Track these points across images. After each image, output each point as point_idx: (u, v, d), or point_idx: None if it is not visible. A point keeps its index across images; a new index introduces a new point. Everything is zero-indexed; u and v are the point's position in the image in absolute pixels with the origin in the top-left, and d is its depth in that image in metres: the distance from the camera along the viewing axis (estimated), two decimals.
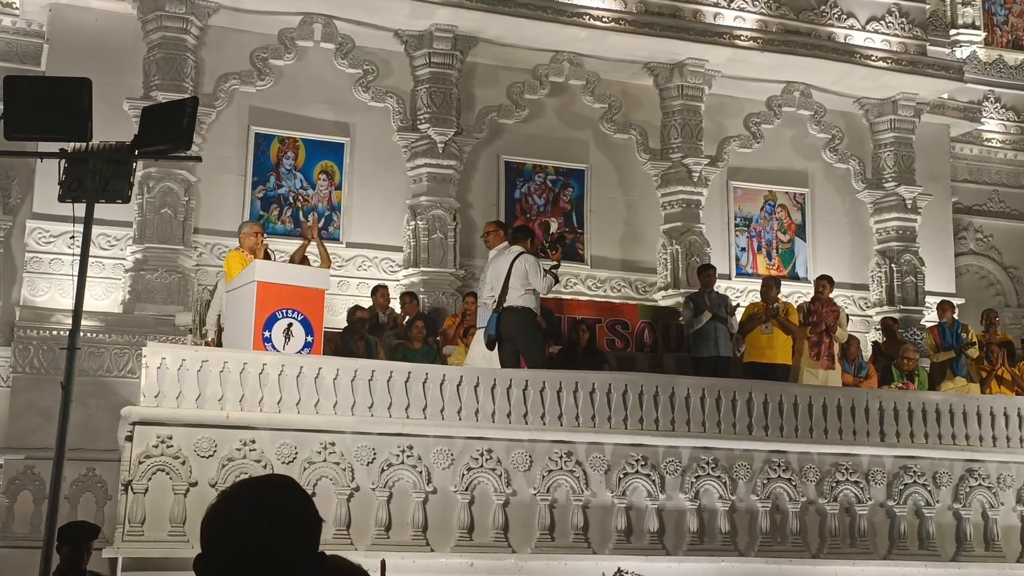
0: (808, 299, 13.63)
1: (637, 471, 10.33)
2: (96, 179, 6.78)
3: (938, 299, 15.23)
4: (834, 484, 10.90)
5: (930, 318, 14.85)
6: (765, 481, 10.70)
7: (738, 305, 13.35)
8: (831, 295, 13.07)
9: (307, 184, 13.96)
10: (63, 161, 6.97)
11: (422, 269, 13.61)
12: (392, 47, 14.22)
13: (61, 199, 6.94)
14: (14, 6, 13.88)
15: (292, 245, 12.72)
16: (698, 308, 12.56)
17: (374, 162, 14.18)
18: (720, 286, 14.88)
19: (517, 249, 10.70)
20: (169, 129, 7.05)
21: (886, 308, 15.37)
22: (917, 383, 12.73)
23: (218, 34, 13.64)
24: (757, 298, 13.54)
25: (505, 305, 10.42)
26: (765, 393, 10.96)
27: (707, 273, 13.04)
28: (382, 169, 14.17)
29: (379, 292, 12.88)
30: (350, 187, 14.09)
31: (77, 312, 6.85)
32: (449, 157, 14.00)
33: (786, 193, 16.04)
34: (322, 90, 14.11)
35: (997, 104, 17.95)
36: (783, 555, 10.59)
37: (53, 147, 7.04)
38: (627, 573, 8.57)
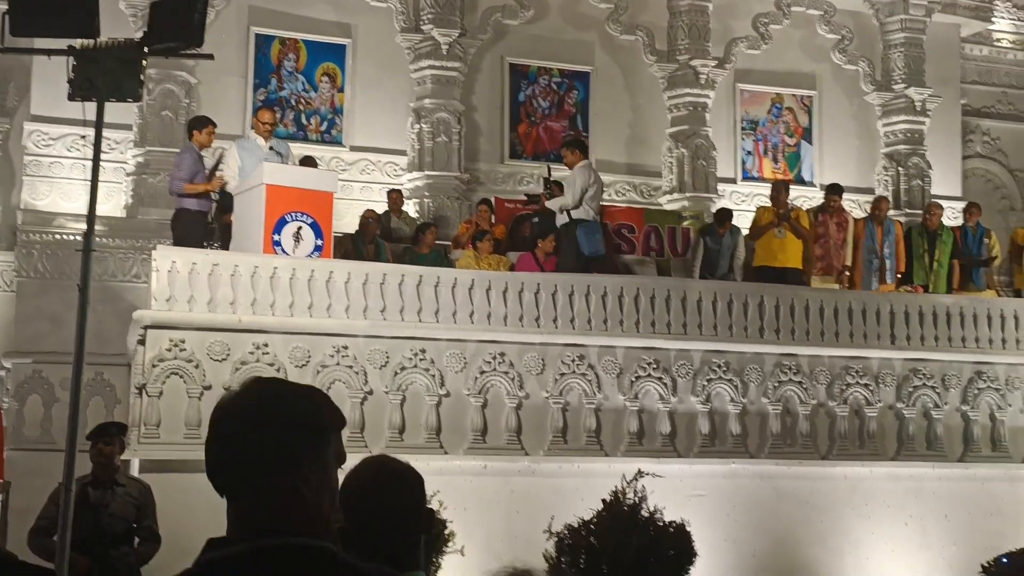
0: (816, 205, 13.48)
1: (649, 374, 10.35)
2: (107, 78, 6.61)
3: (944, 203, 15.12)
4: (844, 387, 10.95)
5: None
6: (776, 384, 10.73)
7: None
8: (840, 204, 12.91)
9: (309, 86, 13.69)
10: (71, 59, 6.80)
11: (427, 173, 13.43)
12: None
13: (71, 98, 6.77)
14: None
15: (296, 150, 12.52)
16: (707, 250, 12.46)
17: (377, 64, 13.89)
18: (726, 190, 14.81)
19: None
20: (179, 26, 6.86)
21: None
22: (939, 252, 12.64)
23: None
24: (764, 202, 13.41)
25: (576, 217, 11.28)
26: (776, 297, 10.94)
27: (723, 222, 12.66)
28: (385, 71, 13.89)
29: (393, 195, 12.79)
30: (352, 90, 13.82)
31: (91, 214, 6.74)
32: (453, 59, 13.72)
33: (793, 96, 15.81)
34: None
35: (1008, 3, 17.59)
36: (793, 457, 10.68)
37: (58, 44, 6.87)
38: (647, 475, 8.62)
